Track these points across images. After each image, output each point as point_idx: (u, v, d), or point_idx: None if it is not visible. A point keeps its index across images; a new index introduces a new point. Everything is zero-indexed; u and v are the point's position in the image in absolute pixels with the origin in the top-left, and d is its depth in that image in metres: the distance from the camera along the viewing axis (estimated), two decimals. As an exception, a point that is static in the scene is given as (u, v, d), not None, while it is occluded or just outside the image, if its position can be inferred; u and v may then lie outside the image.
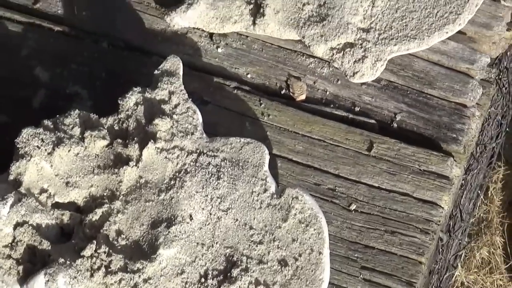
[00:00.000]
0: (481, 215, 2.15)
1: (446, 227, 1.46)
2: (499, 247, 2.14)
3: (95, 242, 1.30)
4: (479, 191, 1.71)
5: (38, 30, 1.56)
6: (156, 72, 1.41)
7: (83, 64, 1.53)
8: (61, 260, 1.28)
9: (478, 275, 2.10)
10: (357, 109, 1.49)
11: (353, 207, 1.41)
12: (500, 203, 2.19)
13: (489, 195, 2.16)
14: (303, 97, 1.50)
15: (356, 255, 1.38)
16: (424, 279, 1.39)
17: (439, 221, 1.39)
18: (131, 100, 1.39)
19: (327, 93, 1.50)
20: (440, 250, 1.44)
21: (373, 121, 1.48)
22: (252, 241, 1.32)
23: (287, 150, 1.45)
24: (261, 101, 1.49)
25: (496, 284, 2.12)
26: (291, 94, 1.50)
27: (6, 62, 1.53)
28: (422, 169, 1.42)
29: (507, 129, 1.70)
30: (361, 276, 1.37)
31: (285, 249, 1.31)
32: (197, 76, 1.50)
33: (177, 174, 1.35)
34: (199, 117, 1.38)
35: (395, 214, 1.40)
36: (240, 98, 1.49)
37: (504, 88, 1.56)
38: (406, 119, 1.48)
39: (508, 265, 2.14)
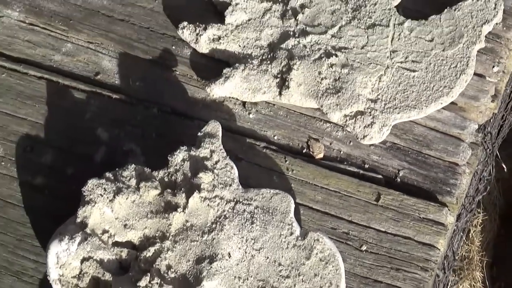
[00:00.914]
0: (464, 253, 2.15)
1: (441, 265, 1.47)
2: (479, 281, 2.14)
3: (149, 275, 1.32)
4: (462, 233, 1.71)
5: (99, 98, 1.57)
6: (199, 134, 1.43)
7: (137, 126, 1.54)
8: (121, 290, 1.30)
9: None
10: (366, 166, 1.50)
11: (364, 248, 1.42)
12: (479, 243, 2.19)
13: (470, 236, 2.16)
14: (321, 155, 1.51)
15: (366, 288, 1.39)
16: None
17: (436, 260, 1.40)
18: (179, 157, 1.41)
19: (341, 152, 1.52)
20: (437, 285, 1.44)
21: (380, 176, 1.49)
22: (280, 275, 1.33)
23: (308, 199, 1.46)
24: (286, 159, 1.50)
25: (477, 313, 2.12)
26: (311, 153, 1.52)
27: (72, 124, 1.55)
28: (421, 217, 1.44)
29: (489, 181, 1.71)
30: (371, 306, 1.38)
31: (308, 283, 1.32)
32: (232, 137, 1.51)
33: (217, 219, 1.37)
34: (235, 172, 1.40)
35: (400, 254, 1.41)
36: (269, 156, 1.50)
37: (488, 150, 1.57)
38: (407, 175, 1.49)
39: (486, 296, 2.15)
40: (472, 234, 2.18)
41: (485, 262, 2.18)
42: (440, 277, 1.44)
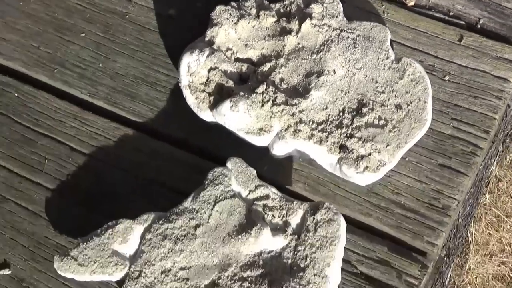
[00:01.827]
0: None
1: (512, 99, 1.47)
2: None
3: (265, 84, 1.34)
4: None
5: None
6: (313, -20, 1.43)
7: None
8: (241, 93, 1.33)
9: (507, 171, 2.09)
10: (451, 13, 1.50)
11: (447, 78, 1.42)
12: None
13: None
14: (412, 3, 1.51)
15: (448, 110, 1.39)
16: (496, 131, 1.40)
17: (509, 91, 1.40)
18: (294, -7, 1.42)
19: (430, 2, 1.51)
20: (508, 112, 1.44)
21: (463, 22, 1.49)
22: (377, 91, 1.34)
23: (400, 37, 1.47)
24: (382, 3, 1.50)
25: (520, 178, 2.11)
26: (404, 0, 1.52)
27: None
28: (498, 56, 1.43)
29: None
30: (451, 124, 1.38)
31: (400, 98, 1.33)
32: (337, -15, 1.51)
33: (325, 42, 1.38)
34: (341, 7, 1.41)
35: (477, 84, 1.41)
36: (367, 1, 1.51)
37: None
38: (487, 22, 1.48)
39: (531, 165, 2.13)
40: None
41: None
42: (511, 107, 1.44)
